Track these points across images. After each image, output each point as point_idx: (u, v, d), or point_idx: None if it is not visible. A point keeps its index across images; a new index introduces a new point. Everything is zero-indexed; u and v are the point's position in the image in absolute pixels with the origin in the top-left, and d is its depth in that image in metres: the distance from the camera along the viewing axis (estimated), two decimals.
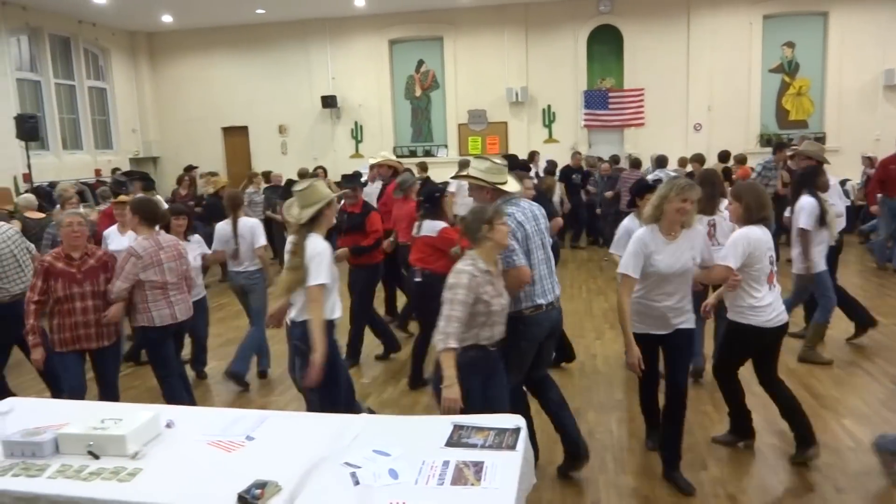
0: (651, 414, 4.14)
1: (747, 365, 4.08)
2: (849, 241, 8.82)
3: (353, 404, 3.97)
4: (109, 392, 4.39)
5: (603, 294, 8.19)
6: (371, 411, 4.17)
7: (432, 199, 5.19)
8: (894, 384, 5.13)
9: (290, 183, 8.74)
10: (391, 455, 2.58)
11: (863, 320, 6.01)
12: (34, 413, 3.15)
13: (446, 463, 2.50)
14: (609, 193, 11.23)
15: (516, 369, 3.63)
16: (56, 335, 4.26)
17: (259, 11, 15.01)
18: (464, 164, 3.93)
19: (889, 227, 9.15)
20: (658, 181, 5.29)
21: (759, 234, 3.84)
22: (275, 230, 10.53)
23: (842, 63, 14.04)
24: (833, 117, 14.26)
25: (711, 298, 4.28)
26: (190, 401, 4.57)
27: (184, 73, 16.98)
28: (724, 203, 4.89)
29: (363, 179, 8.50)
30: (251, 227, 5.68)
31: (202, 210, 10.00)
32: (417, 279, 5.17)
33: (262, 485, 2.33)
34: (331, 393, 3.65)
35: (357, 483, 2.39)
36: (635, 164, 11.50)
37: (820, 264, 5.42)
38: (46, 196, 11.89)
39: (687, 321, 3.77)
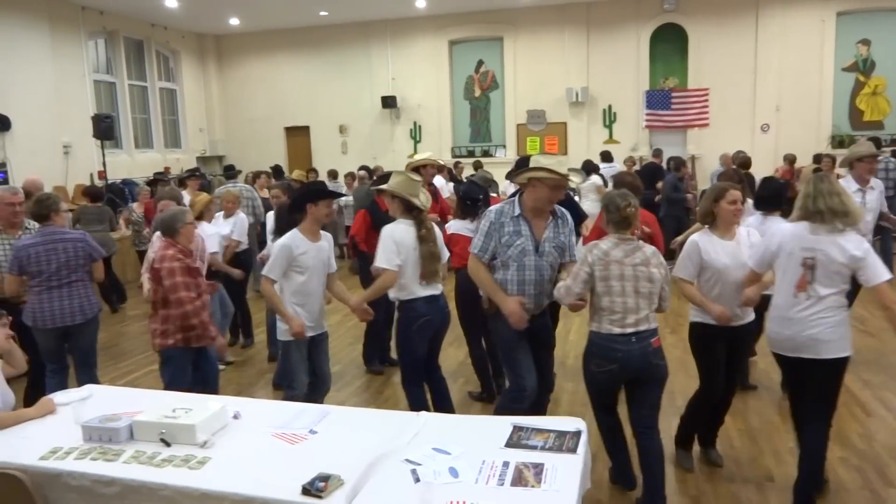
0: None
1: None
2: None
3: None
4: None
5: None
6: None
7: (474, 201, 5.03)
8: None
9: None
10: (451, 454, 2.60)
11: None
12: (110, 400, 3.31)
13: (506, 463, 2.51)
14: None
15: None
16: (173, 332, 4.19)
17: (322, 13, 15.29)
18: (521, 163, 3.87)
19: None
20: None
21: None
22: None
23: None
24: None
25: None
26: None
27: (249, 74, 17.44)
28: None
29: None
30: None
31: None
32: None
33: (325, 478, 2.38)
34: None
35: (418, 480, 2.42)
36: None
37: None
38: (119, 193, 12.42)
39: (748, 316, 3.83)
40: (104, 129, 12.49)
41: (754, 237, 3.80)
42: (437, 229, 4.25)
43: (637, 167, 12.28)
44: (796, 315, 3.28)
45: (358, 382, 5.68)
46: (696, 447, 4.09)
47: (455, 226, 5.00)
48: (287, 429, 2.90)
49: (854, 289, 3.70)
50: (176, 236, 4.15)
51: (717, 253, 3.69)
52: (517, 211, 3.61)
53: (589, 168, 10.95)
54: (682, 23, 14.62)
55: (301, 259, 3.92)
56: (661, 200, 9.86)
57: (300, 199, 4.05)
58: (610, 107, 15.28)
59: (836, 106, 14.10)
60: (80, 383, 4.42)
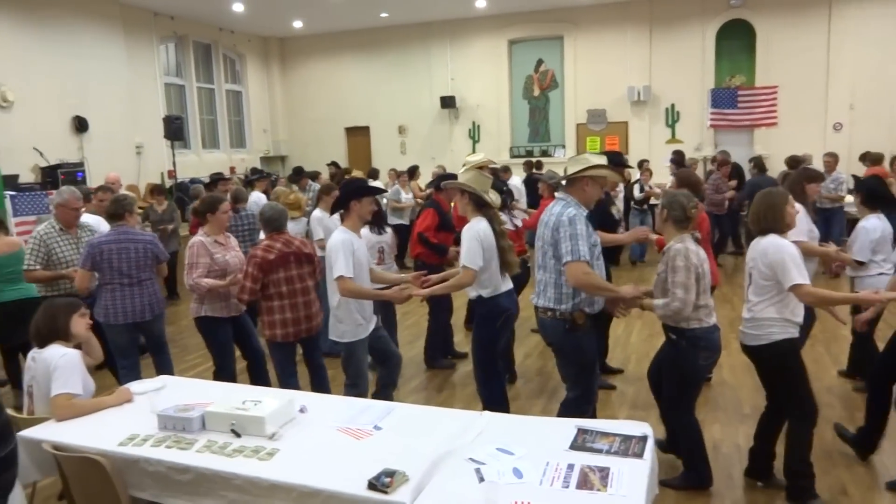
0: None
1: None
2: None
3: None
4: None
5: (729, 302, 7.81)
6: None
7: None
8: None
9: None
10: (515, 454, 2.60)
11: None
12: (183, 391, 3.43)
13: (571, 466, 2.49)
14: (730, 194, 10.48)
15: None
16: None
17: (383, 15, 15.47)
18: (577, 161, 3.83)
19: None
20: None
21: None
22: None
23: None
24: None
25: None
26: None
27: (311, 76, 17.79)
28: None
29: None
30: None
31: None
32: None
33: (391, 473, 2.41)
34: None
35: (482, 480, 2.42)
36: (760, 166, 10.74)
37: None
38: (186, 191, 12.84)
39: None
40: (174, 129, 12.95)
41: None
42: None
43: (699, 169, 12.00)
44: None
45: (417, 380, 5.73)
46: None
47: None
48: (352, 424, 2.95)
49: None
50: (282, 231, 4.38)
51: None
52: (585, 212, 3.56)
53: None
54: (749, 19, 14.19)
55: (355, 255, 3.99)
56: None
57: (345, 196, 4.11)
58: (673, 105, 14.95)
59: None
60: (158, 368, 4.70)
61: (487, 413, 3.04)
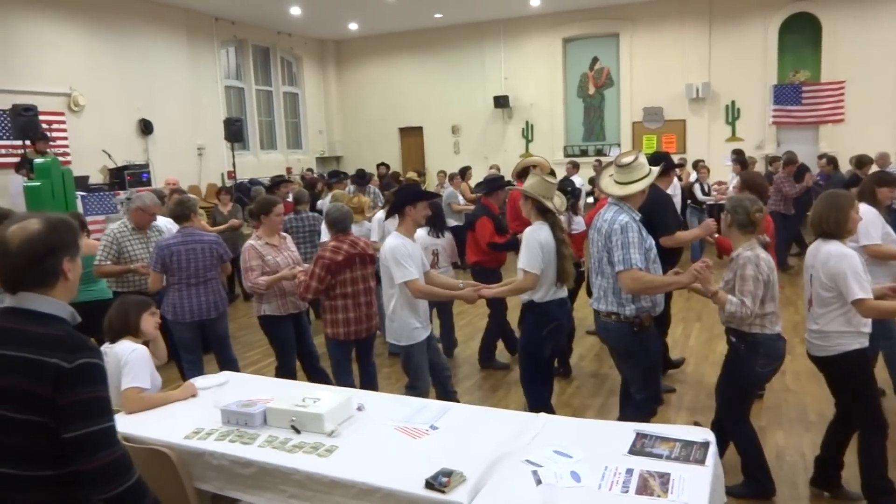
0: None
1: None
2: None
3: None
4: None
5: (792, 305, 7.56)
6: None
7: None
8: None
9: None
10: (572, 457, 2.57)
11: None
12: (244, 387, 3.52)
13: (630, 471, 2.45)
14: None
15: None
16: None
17: (437, 15, 15.53)
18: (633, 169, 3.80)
19: None
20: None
21: None
22: None
23: None
24: None
25: None
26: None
27: (365, 77, 18.00)
28: None
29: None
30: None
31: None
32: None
33: (448, 473, 2.42)
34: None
35: (539, 482, 2.41)
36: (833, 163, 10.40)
37: None
38: (246, 192, 13.16)
39: None
40: (234, 131, 13.29)
41: None
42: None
43: (761, 167, 11.64)
44: None
45: (471, 380, 5.74)
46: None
47: None
48: (409, 423, 2.97)
49: None
50: (347, 232, 4.50)
51: None
52: (638, 216, 3.57)
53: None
54: (815, 12, 13.70)
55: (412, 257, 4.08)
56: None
57: (400, 201, 4.17)
58: (733, 102, 14.56)
59: None
60: (222, 365, 4.85)
61: (544, 415, 3.02)
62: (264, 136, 16.61)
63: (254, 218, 5.09)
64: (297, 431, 2.91)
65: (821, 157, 11.13)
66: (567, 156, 15.57)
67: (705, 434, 2.70)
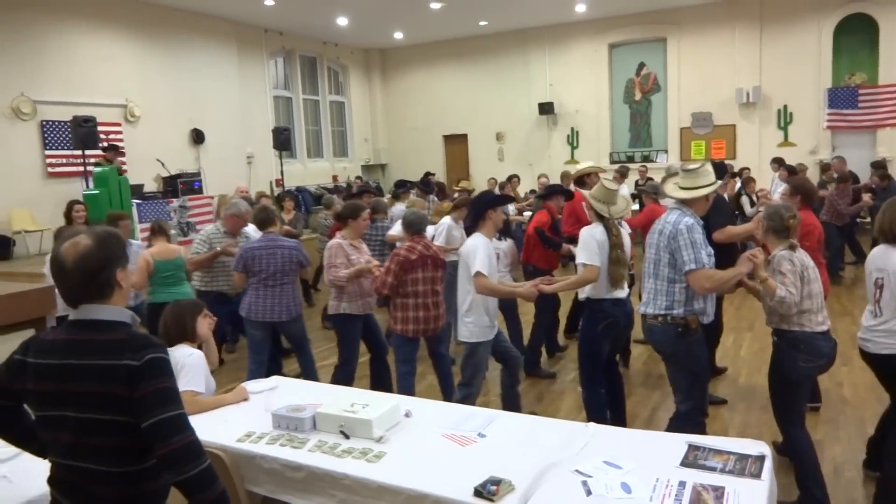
0: None
1: None
2: None
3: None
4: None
5: (849, 315, 7.32)
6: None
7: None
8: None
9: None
10: (622, 468, 2.54)
11: None
12: (294, 392, 3.58)
13: (682, 483, 2.41)
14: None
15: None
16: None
17: (482, 23, 15.57)
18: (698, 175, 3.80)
19: None
20: None
21: None
22: None
23: None
24: None
25: None
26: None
27: (410, 85, 18.15)
28: None
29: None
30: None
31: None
32: None
33: (496, 482, 2.41)
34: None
35: (589, 493, 2.38)
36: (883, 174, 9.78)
37: None
38: (294, 200, 13.38)
39: None
40: (282, 140, 13.55)
41: None
42: (626, 236, 4.40)
43: (814, 174, 11.31)
44: None
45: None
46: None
47: None
48: (457, 430, 2.97)
49: None
50: (422, 235, 4.78)
51: None
52: (700, 220, 3.62)
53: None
54: (871, 12, 13.28)
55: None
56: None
57: (483, 205, 4.37)
58: (785, 107, 14.20)
59: None
60: (301, 364, 5.30)
61: (593, 425, 2.99)
62: (311, 145, 16.89)
63: (340, 220, 5.43)
64: (346, 436, 2.94)
65: (874, 164, 10.63)
66: (613, 162, 15.39)
67: (761, 447, 2.63)
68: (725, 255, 4.50)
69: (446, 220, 6.34)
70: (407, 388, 4.63)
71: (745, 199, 10.33)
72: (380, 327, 5.34)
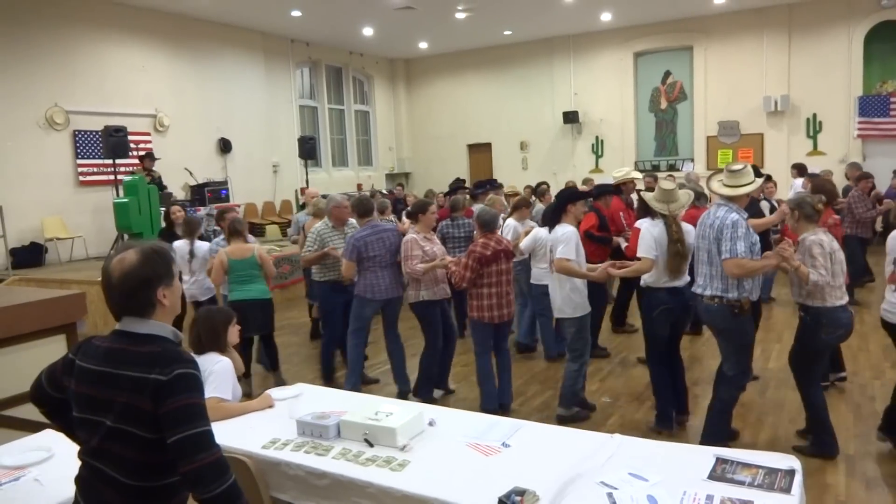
0: None
1: None
2: None
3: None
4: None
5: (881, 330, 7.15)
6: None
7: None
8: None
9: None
10: (649, 480, 2.51)
11: None
12: (318, 399, 3.59)
13: (710, 497, 2.37)
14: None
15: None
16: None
17: (506, 33, 15.61)
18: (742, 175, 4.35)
19: None
20: None
21: None
22: None
23: None
24: None
25: None
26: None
27: (435, 95, 18.23)
28: None
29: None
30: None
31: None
32: None
33: (521, 492, 2.39)
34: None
35: None
36: None
37: None
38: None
39: None
40: (308, 149, 13.69)
41: None
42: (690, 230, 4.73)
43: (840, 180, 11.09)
44: None
45: (540, 398, 5.67)
46: None
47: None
48: (481, 440, 2.96)
49: None
50: (494, 231, 5.21)
51: None
52: (746, 215, 4.16)
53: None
54: None
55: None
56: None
57: (563, 200, 5.05)
58: (815, 115, 14.01)
59: None
60: (389, 342, 5.72)
61: (618, 436, 2.96)
62: (336, 154, 17.02)
63: (411, 217, 5.97)
64: (370, 445, 2.94)
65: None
66: (638, 171, 15.24)
67: (791, 461, 2.58)
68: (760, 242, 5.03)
69: (511, 221, 6.85)
70: (482, 366, 5.20)
71: (764, 205, 10.11)
72: (451, 313, 5.79)
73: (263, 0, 12.01)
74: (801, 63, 13.94)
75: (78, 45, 11.07)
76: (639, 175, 8.66)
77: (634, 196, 7.94)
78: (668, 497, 2.39)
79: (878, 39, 13.40)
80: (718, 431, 4.25)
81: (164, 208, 8.77)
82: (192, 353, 3.41)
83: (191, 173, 11.84)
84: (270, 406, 3.50)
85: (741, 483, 2.46)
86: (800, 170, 11.44)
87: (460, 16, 13.61)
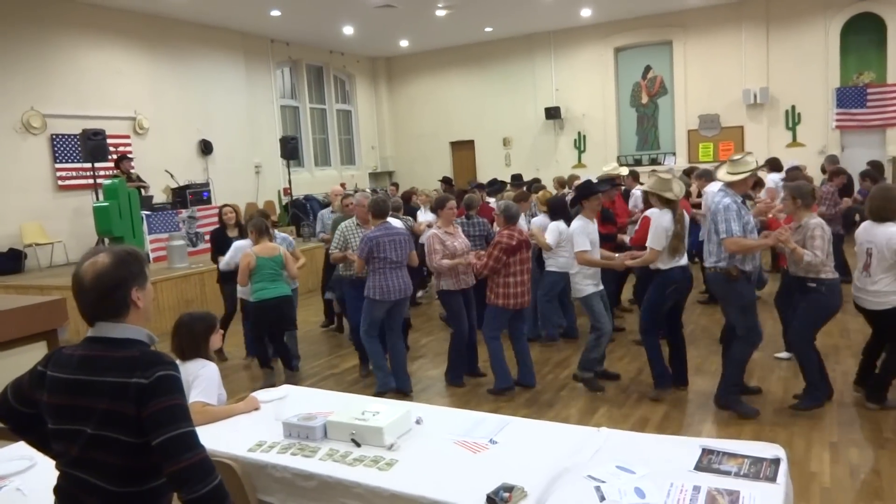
0: None
1: None
2: None
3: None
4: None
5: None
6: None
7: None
8: None
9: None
10: (636, 473, 2.51)
11: None
12: (304, 400, 3.56)
13: (697, 488, 2.38)
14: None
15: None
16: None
17: (487, 29, 15.61)
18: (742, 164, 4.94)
19: None
20: None
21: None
22: None
23: None
24: None
25: None
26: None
27: (417, 93, 18.20)
28: None
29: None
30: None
31: None
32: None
33: (509, 488, 2.39)
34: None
35: (603, 499, 2.36)
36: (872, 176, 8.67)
37: None
38: (301, 207, 13.44)
39: None
40: (290, 149, 13.61)
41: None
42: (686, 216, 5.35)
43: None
44: None
45: (526, 394, 5.68)
46: None
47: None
48: (468, 437, 2.95)
49: None
50: (516, 223, 5.54)
51: None
52: (739, 198, 4.72)
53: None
54: (878, 11, 13.26)
55: (590, 236, 5.41)
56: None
57: (579, 195, 5.68)
58: (793, 107, 14.16)
59: None
60: (391, 340, 5.79)
61: (605, 429, 2.97)
62: (318, 154, 16.95)
63: (434, 212, 6.41)
64: (358, 445, 2.93)
65: (865, 171, 9.59)
66: (621, 166, 15.31)
67: (775, 450, 2.60)
68: None
69: (541, 219, 7.09)
70: (496, 350, 5.52)
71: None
72: (472, 304, 5.98)
73: (242, 0, 11.92)
74: (779, 56, 14.07)
75: (54, 48, 10.93)
76: (625, 171, 9.52)
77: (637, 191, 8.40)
78: (656, 489, 2.40)
79: (855, 31, 13.55)
80: (732, 384, 4.85)
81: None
82: (177, 360, 3.40)
83: (172, 176, 11.73)
84: (256, 408, 3.47)
85: (727, 473, 2.48)
86: (773, 165, 11.01)
87: (440, 13, 13.59)
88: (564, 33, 15.95)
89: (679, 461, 2.59)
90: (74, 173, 11.07)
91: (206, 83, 13.40)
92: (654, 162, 15.29)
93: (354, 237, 6.08)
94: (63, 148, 11.01)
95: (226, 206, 7.45)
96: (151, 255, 9.99)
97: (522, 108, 16.68)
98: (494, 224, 7.53)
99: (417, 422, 3.15)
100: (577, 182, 9.09)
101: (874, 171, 8.85)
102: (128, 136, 11.91)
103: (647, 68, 15.60)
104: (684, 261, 5.19)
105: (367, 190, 15.40)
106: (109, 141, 10.53)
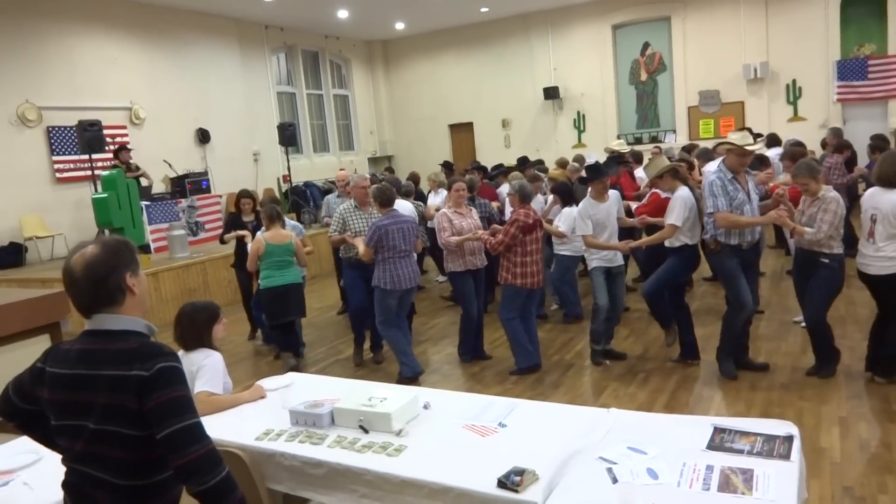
0: None
1: None
2: None
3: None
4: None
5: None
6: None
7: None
8: None
9: None
10: (648, 454, 2.49)
11: None
12: (310, 387, 3.54)
13: (710, 467, 2.36)
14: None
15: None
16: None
17: (483, 10, 15.44)
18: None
19: None
20: None
21: None
22: None
23: None
24: None
25: None
26: None
27: (414, 76, 18.04)
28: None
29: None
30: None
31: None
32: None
33: (520, 472, 2.37)
34: None
35: (615, 480, 2.33)
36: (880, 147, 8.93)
37: None
38: (301, 194, 13.36)
39: None
40: (288, 136, 13.51)
41: None
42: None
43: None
44: None
45: (532, 375, 5.66)
46: None
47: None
48: (476, 421, 2.93)
49: None
50: (530, 202, 5.63)
51: None
52: (729, 175, 4.84)
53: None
54: None
55: (594, 217, 5.50)
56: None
57: (586, 179, 5.87)
58: (794, 81, 14.02)
59: None
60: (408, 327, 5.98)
61: (615, 410, 2.94)
62: (317, 139, 16.84)
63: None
64: (366, 431, 2.90)
65: (871, 147, 9.41)
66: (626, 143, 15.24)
67: (788, 427, 2.58)
68: None
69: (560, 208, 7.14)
70: (514, 329, 5.56)
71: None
72: (483, 286, 6.11)
73: None
74: (778, 29, 13.91)
75: (47, 40, 10.80)
76: (627, 147, 9.71)
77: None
78: (668, 469, 2.37)
79: (855, 3, 13.38)
80: (728, 347, 5.09)
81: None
82: (180, 350, 3.37)
83: (170, 165, 11.66)
84: (262, 397, 3.45)
85: (740, 451, 2.45)
86: (771, 140, 10.87)
87: None
88: (561, 11, 15.77)
89: (691, 440, 2.57)
90: (72, 165, 10.99)
91: (201, 71, 13.27)
92: (654, 140, 15.18)
93: (353, 219, 6.05)
94: (60, 140, 10.92)
95: (244, 194, 7.26)
96: (152, 246, 9.96)
97: (520, 89, 16.54)
98: (495, 204, 7.58)
99: (425, 407, 3.13)
100: (585, 162, 8.95)
101: (882, 142, 8.78)
102: (124, 127, 11.82)
103: (646, 45, 15.44)
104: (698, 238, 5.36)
105: (367, 175, 15.34)
106: (106, 132, 10.44)
